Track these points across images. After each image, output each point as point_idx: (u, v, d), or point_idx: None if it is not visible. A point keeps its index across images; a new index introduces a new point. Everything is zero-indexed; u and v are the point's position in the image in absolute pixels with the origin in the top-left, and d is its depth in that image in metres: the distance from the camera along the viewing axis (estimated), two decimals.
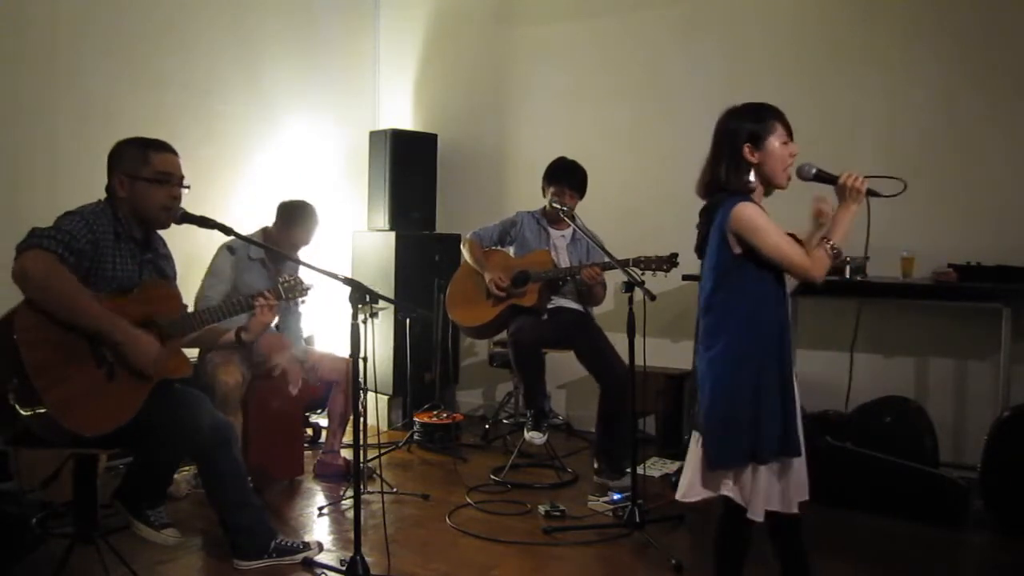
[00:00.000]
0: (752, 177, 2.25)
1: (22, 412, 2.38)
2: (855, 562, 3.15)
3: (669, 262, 3.70)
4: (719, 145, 2.28)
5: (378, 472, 3.94)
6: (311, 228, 4.01)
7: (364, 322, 2.92)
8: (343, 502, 3.73)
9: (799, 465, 2.24)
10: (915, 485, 3.53)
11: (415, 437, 4.70)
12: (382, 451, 4.35)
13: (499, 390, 5.56)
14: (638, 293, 3.30)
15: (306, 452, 4.31)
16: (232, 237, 2.86)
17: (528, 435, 3.96)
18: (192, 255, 3.66)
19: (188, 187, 2.81)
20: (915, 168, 4.10)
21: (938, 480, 3.53)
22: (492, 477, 4.14)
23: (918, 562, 3.19)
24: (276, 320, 3.67)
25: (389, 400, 5.20)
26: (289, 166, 5.26)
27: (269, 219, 4.02)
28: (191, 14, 4.71)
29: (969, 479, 3.54)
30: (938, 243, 4.12)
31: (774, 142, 2.23)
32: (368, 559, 2.81)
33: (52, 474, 2.93)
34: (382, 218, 5.35)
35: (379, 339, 4.82)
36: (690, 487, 2.26)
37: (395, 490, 3.89)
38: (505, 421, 5.18)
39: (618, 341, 3.72)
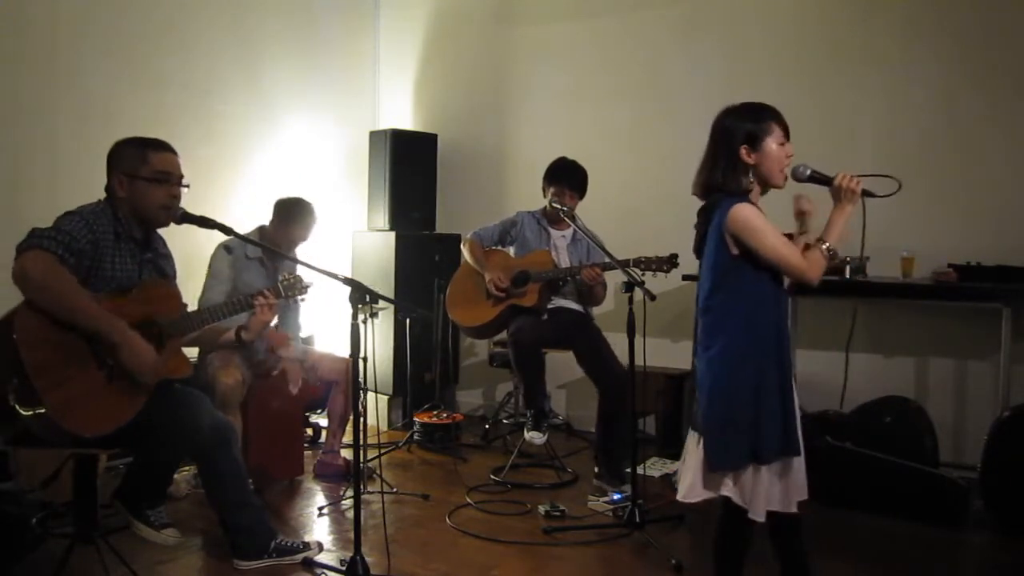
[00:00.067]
0: (749, 178, 2.24)
1: (22, 412, 2.38)
2: (855, 562, 3.15)
3: (669, 262, 3.70)
4: (716, 145, 2.28)
5: (378, 472, 3.94)
6: (309, 225, 4.01)
7: (364, 322, 2.92)
8: (343, 502, 3.73)
9: (799, 465, 2.24)
10: (915, 485, 3.53)
11: (415, 437, 4.70)
12: (382, 451, 4.35)
13: (499, 390, 5.55)
14: (638, 293, 3.30)
15: (306, 452, 4.31)
16: (229, 237, 2.85)
17: (528, 435, 3.96)
18: (192, 255, 3.66)
19: (187, 186, 2.81)
20: (915, 168, 4.12)
21: (938, 480, 3.53)
22: (492, 477, 4.14)
23: (918, 562, 3.19)
24: (275, 320, 3.68)
25: (389, 400, 5.20)
26: (289, 166, 5.26)
27: (269, 219, 4.02)
28: (191, 14, 4.71)
29: (969, 479, 3.54)
30: (938, 243, 4.12)
31: (771, 144, 2.23)
32: (368, 559, 2.81)
33: (52, 474, 2.94)
34: (382, 218, 5.35)
35: (379, 339, 4.82)
36: (691, 488, 2.26)
37: (395, 490, 3.89)
38: (505, 421, 5.18)
39: (618, 341, 3.72)
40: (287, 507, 3.74)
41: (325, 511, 3.68)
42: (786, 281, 2.28)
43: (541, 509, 3.63)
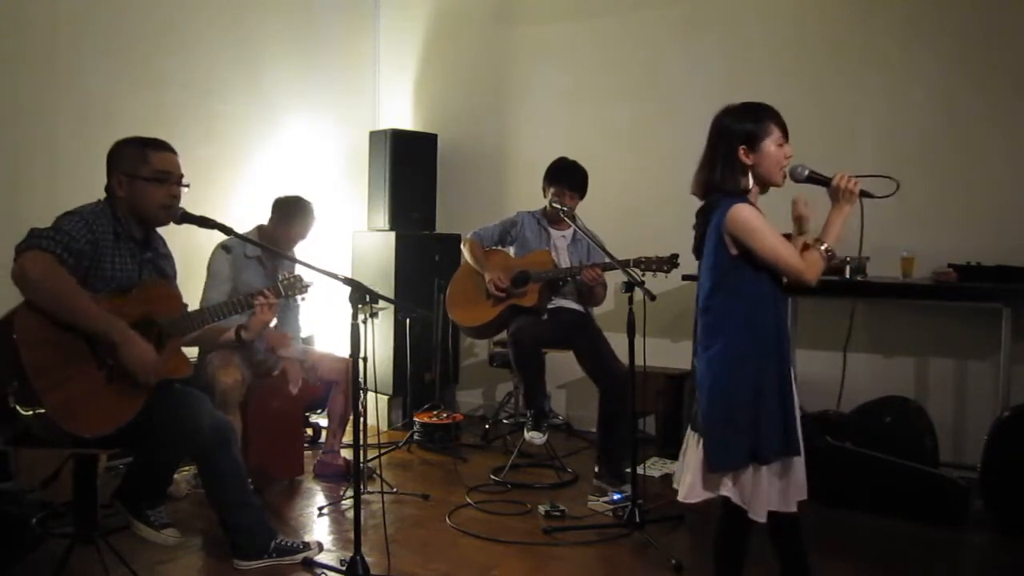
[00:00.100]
0: (747, 178, 2.24)
1: (22, 412, 2.38)
2: (855, 562, 3.15)
3: (669, 263, 3.70)
4: (714, 145, 2.28)
5: (378, 472, 3.94)
6: (308, 223, 4.00)
7: (364, 322, 2.92)
8: (343, 502, 3.73)
9: (799, 464, 2.24)
10: (915, 485, 3.53)
11: (415, 437, 4.70)
12: (382, 451, 4.35)
13: (499, 390, 5.55)
14: (638, 293, 3.30)
15: (306, 452, 4.31)
16: (227, 236, 2.85)
17: (528, 435, 3.96)
18: (192, 255, 3.66)
19: (187, 186, 2.81)
20: (915, 168, 4.12)
21: (938, 480, 3.53)
22: (492, 477, 4.14)
23: (918, 562, 3.19)
24: (275, 320, 3.68)
25: (389, 400, 5.20)
26: (289, 166, 5.26)
27: (268, 217, 4.01)
28: (191, 14, 4.71)
29: (969, 479, 3.54)
30: (938, 243, 4.12)
31: (769, 145, 2.23)
32: (368, 559, 2.81)
33: (52, 474, 2.94)
34: (382, 218, 5.35)
35: (379, 339, 4.82)
36: (691, 489, 2.26)
37: (395, 490, 3.89)
38: (505, 421, 5.18)
39: (618, 341, 3.72)
40: (287, 507, 3.74)
41: (325, 511, 3.68)
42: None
43: (541, 509, 3.63)
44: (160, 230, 2.89)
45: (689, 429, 2.34)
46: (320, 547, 3.14)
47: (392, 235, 5.21)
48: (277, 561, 3.00)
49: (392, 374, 5.15)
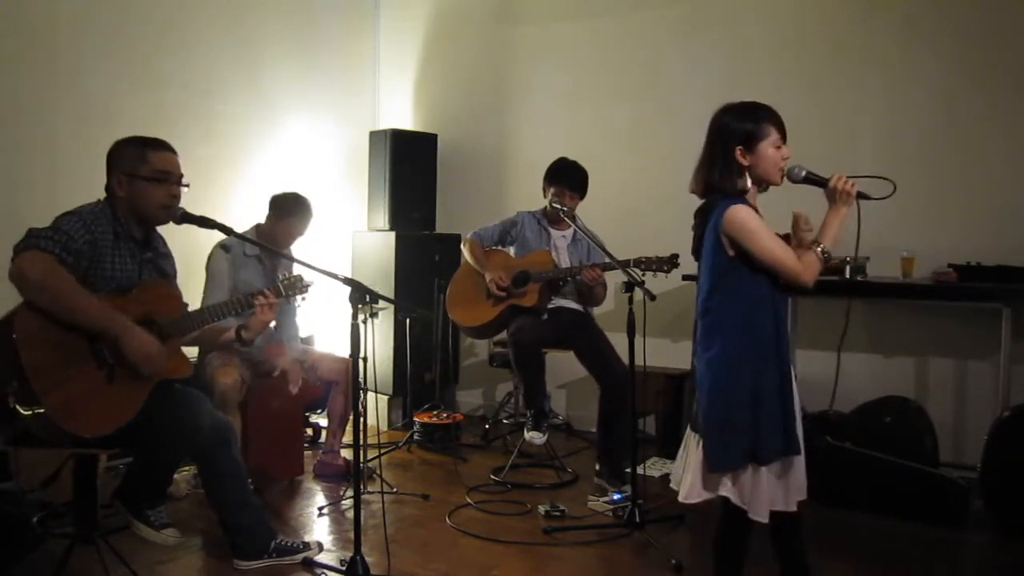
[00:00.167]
0: (744, 178, 2.24)
1: (22, 412, 2.38)
2: (855, 562, 3.15)
3: (669, 263, 3.70)
4: (712, 144, 2.28)
5: (378, 472, 3.94)
6: (306, 219, 4.00)
7: (364, 322, 2.92)
8: (343, 502, 3.73)
9: (799, 464, 2.24)
10: (915, 485, 3.53)
11: (415, 437, 4.70)
12: (382, 451, 4.35)
13: (499, 390, 5.55)
14: (638, 293, 3.30)
15: (306, 452, 4.31)
16: (225, 236, 2.85)
17: (528, 435, 3.96)
18: (192, 255, 3.66)
19: (187, 185, 2.81)
20: (915, 168, 4.13)
21: (938, 480, 3.53)
22: (492, 477, 4.14)
23: (918, 562, 3.19)
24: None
25: (389, 400, 5.20)
26: (289, 166, 5.26)
27: (265, 215, 4.01)
28: (191, 14, 4.71)
29: (969, 479, 3.54)
30: (938, 243, 4.12)
31: (767, 147, 2.23)
32: (368, 559, 2.81)
33: (52, 474, 2.94)
34: (382, 218, 5.35)
35: (379, 339, 4.82)
36: (691, 489, 2.26)
37: (395, 490, 3.89)
38: (505, 421, 5.18)
39: (618, 341, 3.72)
40: (287, 507, 3.74)
41: (325, 511, 3.68)
42: None
43: (541, 509, 3.63)
44: (160, 230, 2.89)
45: (689, 429, 2.34)
46: (320, 547, 3.14)
47: (392, 235, 5.21)
48: (277, 561, 3.00)
49: (392, 374, 5.15)
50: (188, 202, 2.82)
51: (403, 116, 5.99)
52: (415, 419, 4.76)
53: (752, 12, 4.74)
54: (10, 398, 2.38)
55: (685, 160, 2.40)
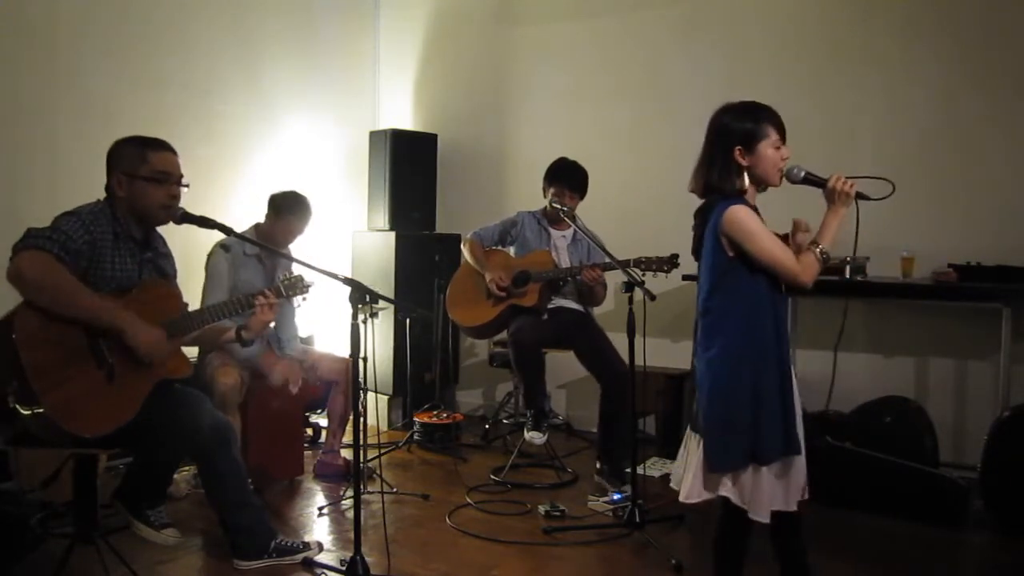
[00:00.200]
0: (743, 179, 2.24)
1: (22, 412, 2.38)
2: (855, 562, 3.15)
3: (669, 263, 3.70)
4: (711, 144, 2.28)
5: (378, 472, 3.94)
6: (305, 218, 3.99)
7: (364, 322, 2.92)
8: (343, 502, 3.73)
9: (799, 464, 2.24)
10: (915, 485, 3.53)
11: (415, 437, 4.70)
12: (382, 451, 4.35)
13: (499, 390, 5.55)
14: (638, 293, 3.30)
15: (306, 452, 4.31)
16: (225, 236, 2.84)
17: (528, 435, 3.96)
18: (192, 255, 3.66)
19: (187, 186, 2.81)
20: (915, 168, 4.12)
21: (938, 480, 3.53)
22: (492, 477, 4.14)
23: (918, 562, 3.19)
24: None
25: (389, 400, 5.20)
26: (289, 166, 5.26)
27: (264, 214, 4.01)
28: (191, 14, 4.71)
29: (969, 479, 3.54)
30: (938, 243, 4.12)
31: (766, 147, 2.23)
32: (368, 559, 2.81)
33: (52, 474, 2.93)
34: (382, 218, 5.35)
35: (379, 339, 4.82)
36: (691, 489, 2.26)
37: (395, 490, 3.89)
38: (505, 421, 5.18)
39: (618, 341, 3.72)
40: (287, 507, 3.74)
41: (325, 511, 3.68)
42: None
43: (541, 509, 3.63)
44: (160, 229, 2.89)
45: (689, 429, 2.34)
46: (320, 547, 3.14)
47: (392, 235, 5.21)
48: (277, 561, 3.00)
49: (392, 374, 5.15)
50: (188, 202, 2.82)
51: (403, 116, 5.99)
52: (415, 419, 4.76)
53: (752, 12, 4.74)
54: (10, 398, 2.38)
55: (685, 160, 2.40)
